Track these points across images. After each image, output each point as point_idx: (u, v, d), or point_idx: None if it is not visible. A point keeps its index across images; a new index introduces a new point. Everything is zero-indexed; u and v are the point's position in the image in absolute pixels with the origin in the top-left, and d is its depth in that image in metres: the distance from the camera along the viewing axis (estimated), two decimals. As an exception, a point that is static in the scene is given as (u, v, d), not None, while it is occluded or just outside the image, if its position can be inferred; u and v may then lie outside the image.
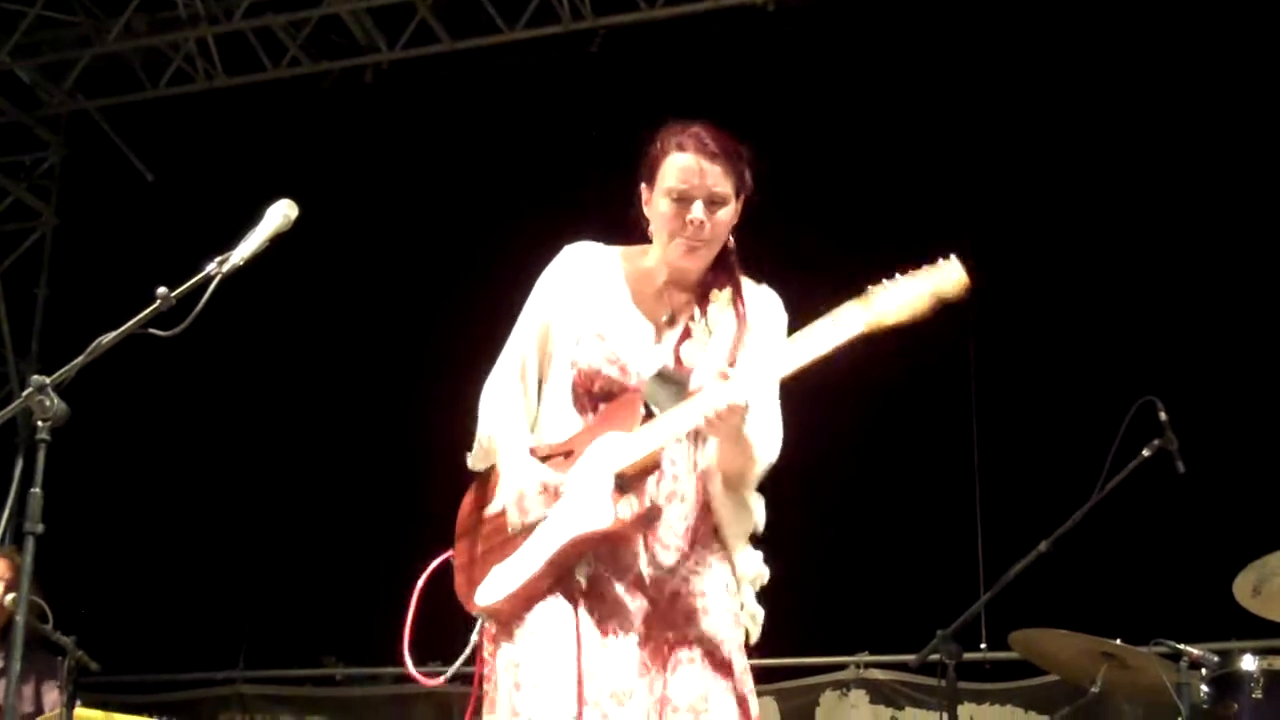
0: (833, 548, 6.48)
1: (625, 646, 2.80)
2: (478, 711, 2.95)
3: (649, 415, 2.86)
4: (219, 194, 7.55)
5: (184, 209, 8.18)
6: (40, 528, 2.73)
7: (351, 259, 7.92)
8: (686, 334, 2.96)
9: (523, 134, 7.60)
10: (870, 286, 2.75)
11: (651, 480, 2.86)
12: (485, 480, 3.05)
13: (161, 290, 2.83)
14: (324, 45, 8.25)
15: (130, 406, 7.85)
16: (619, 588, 2.84)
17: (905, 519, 6.65)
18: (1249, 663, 4.14)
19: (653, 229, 2.99)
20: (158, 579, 7.83)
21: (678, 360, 2.93)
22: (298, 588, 7.69)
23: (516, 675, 2.79)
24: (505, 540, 2.91)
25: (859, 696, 6.62)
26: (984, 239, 6.71)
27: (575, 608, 2.82)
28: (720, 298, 3.00)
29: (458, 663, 2.99)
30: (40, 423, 2.74)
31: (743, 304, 2.99)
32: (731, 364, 2.87)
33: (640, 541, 2.86)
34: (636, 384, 2.91)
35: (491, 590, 2.89)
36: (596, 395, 2.94)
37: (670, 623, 2.86)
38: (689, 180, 2.90)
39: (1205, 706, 4.10)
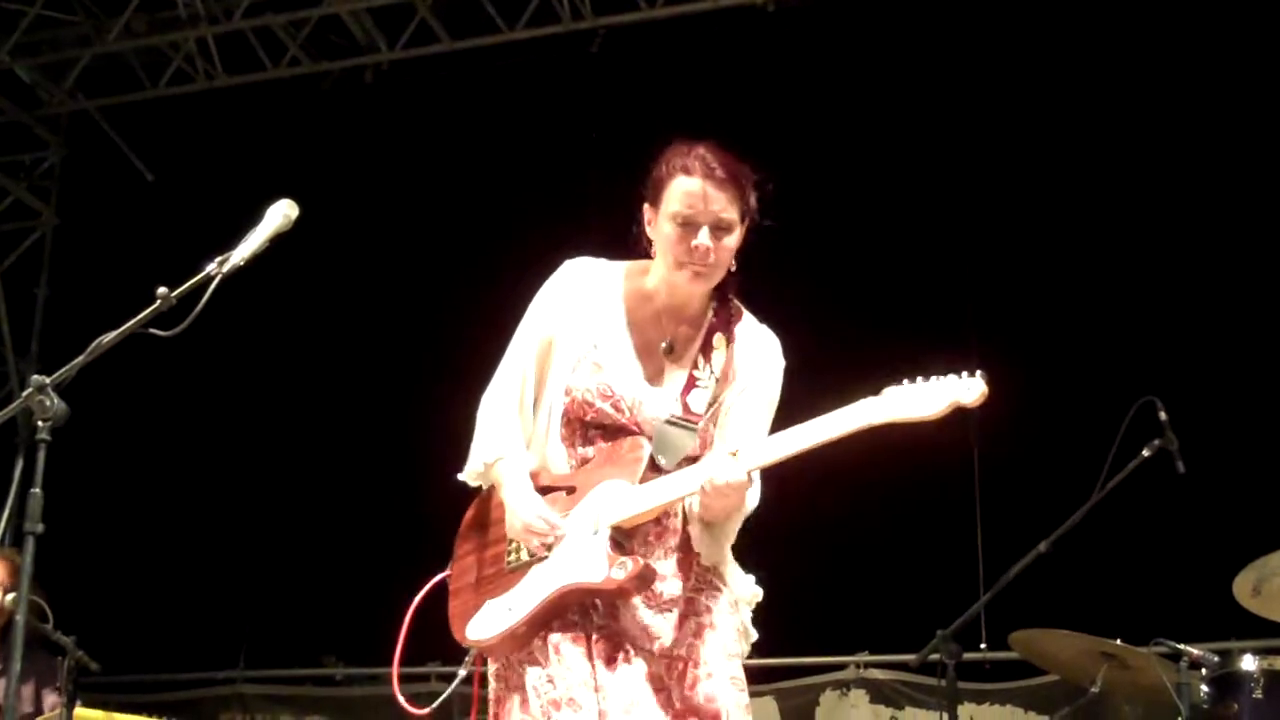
0: (833, 548, 6.47)
1: (637, 666, 2.81)
2: (482, 711, 2.96)
3: (653, 465, 2.86)
4: (219, 194, 7.55)
5: (184, 209, 8.17)
6: (40, 528, 2.73)
7: (352, 260, 7.92)
8: (692, 383, 2.93)
9: (523, 134, 7.59)
10: (887, 388, 2.78)
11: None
12: (486, 500, 3.04)
13: (162, 290, 2.82)
14: (324, 45, 8.25)
15: (130, 406, 7.85)
16: (626, 614, 2.85)
17: (905, 519, 6.65)
18: (1249, 663, 4.14)
19: (656, 250, 2.96)
20: (158, 579, 7.83)
21: (685, 409, 2.92)
22: (298, 588, 7.69)
23: (554, 693, 2.79)
24: (502, 573, 2.93)
25: (859, 696, 6.62)
26: (984, 238, 6.73)
27: (587, 631, 2.83)
28: (722, 344, 2.98)
29: (445, 693, 3.03)
30: (40, 423, 2.74)
31: (733, 342, 2.98)
32: (713, 404, 2.90)
33: (644, 586, 2.86)
34: (629, 421, 2.90)
35: (483, 626, 2.91)
36: (589, 424, 2.93)
37: (681, 642, 2.87)
38: (695, 205, 2.86)
39: (1205, 706, 4.10)
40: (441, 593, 3.05)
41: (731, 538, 2.99)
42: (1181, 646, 4.17)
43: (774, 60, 7.31)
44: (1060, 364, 6.58)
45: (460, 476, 3.06)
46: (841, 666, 6.71)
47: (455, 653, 3.03)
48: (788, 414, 3.00)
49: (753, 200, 2.93)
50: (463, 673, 2.99)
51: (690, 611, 2.89)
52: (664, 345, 2.97)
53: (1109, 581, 5.96)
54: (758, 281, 3.09)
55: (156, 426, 8.15)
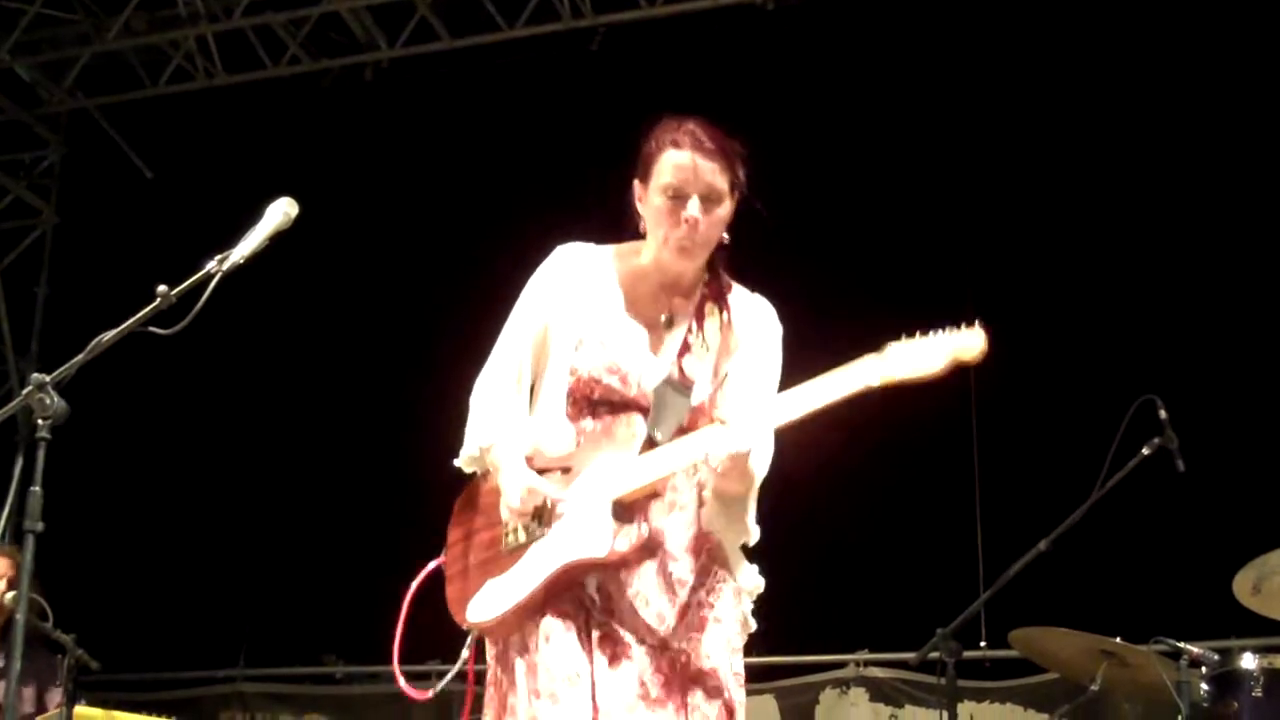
0: (833, 546, 6.48)
1: (636, 659, 2.79)
2: (475, 709, 2.95)
3: (650, 439, 2.85)
4: (219, 192, 7.55)
5: (184, 207, 8.18)
6: (40, 526, 2.73)
7: (351, 257, 7.92)
8: (686, 347, 2.94)
9: (522, 132, 7.59)
10: (889, 343, 2.76)
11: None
12: (477, 486, 3.03)
13: (161, 288, 2.82)
14: (324, 43, 8.25)
15: (130, 405, 7.85)
16: (629, 600, 2.83)
17: (905, 517, 6.65)
18: (1249, 661, 4.14)
19: (646, 226, 2.98)
20: (158, 578, 7.83)
21: (681, 372, 2.92)
22: (298, 586, 7.69)
23: (535, 683, 2.78)
24: (499, 555, 2.91)
25: (859, 694, 6.63)
26: (983, 238, 6.73)
27: (587, 622, 2.81)
28: (715, 312, 2.99)
29: (447, 678, 2.99)
30: (40, 421, 2.74)
31: (728, 311, 2.99)
32: (716, 374, 2.90)
33: (648, 556, 2.85)
34: (637, 394, 2.90)
35: (484, 607, 2.89)
36: (596, 402, 2.92)
37: (683, 634, 2.85)
38: (684, 177, 2.88)
39: (1205, 705, 4.10)
40: (438, 594, 3.04)
41: (747, 513, 2.97)
42: (1181, 645, 4.16)
43: (773, 58, 7.31)
44: (1060, 362, 6.58)
45: (456, 462, 3.05)
46: (841, 665, 6.71)
47: (455, 650, 3.02)
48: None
49: (741, 173, 2.95)
50: (465, 654, 2.96)
51: (694, 600, 2.88)
52: (663, 318, 2.98)
53: (1109, 580, 5.96)
54: (761, 278, 3.10)
55: (156, 425, 8.15)
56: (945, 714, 4.57)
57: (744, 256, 3.04)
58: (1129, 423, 4.32)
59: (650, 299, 2.99)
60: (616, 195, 3.08)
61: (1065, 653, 4.51)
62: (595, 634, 2.80)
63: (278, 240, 2.98)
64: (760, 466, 2.92)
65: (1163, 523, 5.84)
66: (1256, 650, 4.24)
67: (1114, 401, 4.42)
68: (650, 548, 2.82)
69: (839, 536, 6.54)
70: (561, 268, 3.03)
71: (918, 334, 2.75)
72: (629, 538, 2.78)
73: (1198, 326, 6.35)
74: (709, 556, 2.93)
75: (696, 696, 2.82)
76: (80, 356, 2.82)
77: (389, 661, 3.12)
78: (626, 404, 2.91)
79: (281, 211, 2.99)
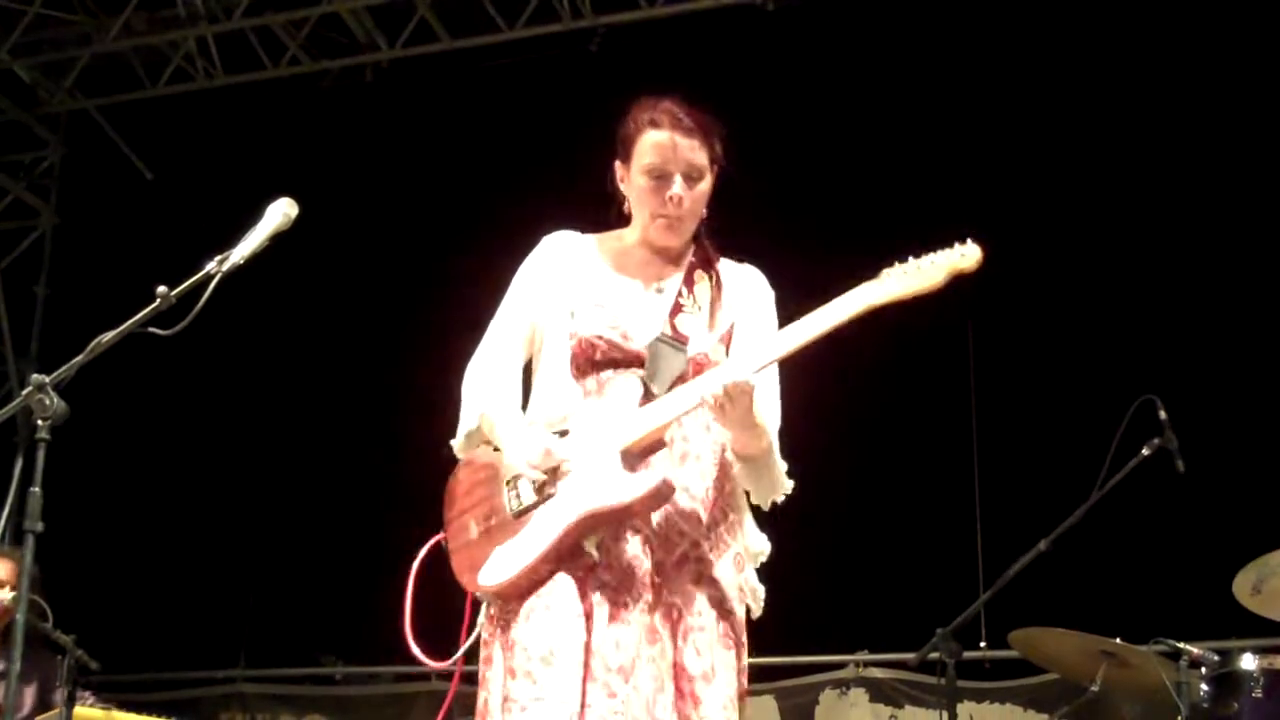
0: (832, 546, 6.47)
1: (633, 618, 2.79)
2: (467, 712, 2.95)
3: (647, 393, 2.87)
4: (219, 193, 7.55)
5: (183, 208, 8.17)
6: (40, 526, 2.73)
7: (351, 258, 7.91)
8: (678, 308, 2.99)
9: (522, 132, 7.59)
10: (885, 269, 2.81)
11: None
12: (468, 464, 3.03)
13: (161, 289, 2.82)
14: (324, 44, 8.25)
15: (130, 406, 7.85)
16: (629, 552, 2.83)
17: (905, 518, 6.65)
18: (1249, 661, 4.14)
19: (631, 206, 3.05)
20: (158, 578, 7.83)
21: (674, 330, 2.96)
22: (298, 587, 7.69)
23: (512, 660, 2.78)
24: (505, 520, 2.90)
25: (859, 695, 6.63)
26: (983, 239, 6.72)
27: (585, 583, 2.80)
28: (704, 278, 3.04)
29: (466, 644, 2.96)
30: (40, 421, 2.74)
31: (717, 276, 3.05)
32: (711, 329, 2.95)
33: (661, 504, 2.85)
34: (638, 349, 2.92)
35: (497, 570, 2.87)
36: (599, 363, 2.94)
37: (678, 587, 2.85)
38: (665, 156, 2.96)
39: (1205, 705, 4.10)
40: (437, 599, 3.03)
41: (774, 466, 2.97)
42: (1181, 645, 4.16)
43: (774, 59, 7.31)
44: (1060, 362, 6.58)
45: (453, 443, 3.05)
46: (841, 665, 6.71)
47: (451, 645, 3.00)
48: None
49: (719, 148, 3.02)
50: (482, 619, 2.93)
51: (694, 555, 2.88)
52: (654, 286, 3.03)
53: (1109, 580, 5.96)
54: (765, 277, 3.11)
55: (156, 426, 8.15)
56: (945, 714, 4.57)
57: (751, 251, 3.10)
58: (1129, 423, 4.32)
59: (639, 270, 3.05)
60: (615, 192, 3.11)
61: (1065, 653, 4.51)
62: (595, 595, 2.79)
63: (277, 241, 2.98)
64: (768, 410, 2.93)
65: (1163, 523, 5.84)
66: (1257, 651, 4.23)
67: (1114, 402, 4.42)
68: (664, 495, 2.83)
69: (839, 536, 6.54)
70: (549, 251, 3.09)
71: (910, 259, 2.81)
72: (644, 484, 2.79)
73: (1197, 327, 6.35)
74: (718, 510, 2.93)
75: (687, 652, 2.82)
76: (80, 357, 2.82)
77: (388, 662, 3.12)
78: (628, 360, 2.93)
79: (281, 212, 2.99)
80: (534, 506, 2.87)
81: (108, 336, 2.82)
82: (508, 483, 2.92)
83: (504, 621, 2.86)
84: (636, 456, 2.83)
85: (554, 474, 2.86)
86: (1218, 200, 6.50)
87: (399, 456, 7.30)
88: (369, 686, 7.57)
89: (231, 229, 2.98)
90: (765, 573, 3.03)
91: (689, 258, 3.07)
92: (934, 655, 4.45)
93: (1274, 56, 6.44)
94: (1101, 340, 6.53)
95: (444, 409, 3.11)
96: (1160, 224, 6.53)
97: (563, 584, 2.80)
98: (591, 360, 2.94)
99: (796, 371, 3.01)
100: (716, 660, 2.83)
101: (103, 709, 5.11)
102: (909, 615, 5.33)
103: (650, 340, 2.93)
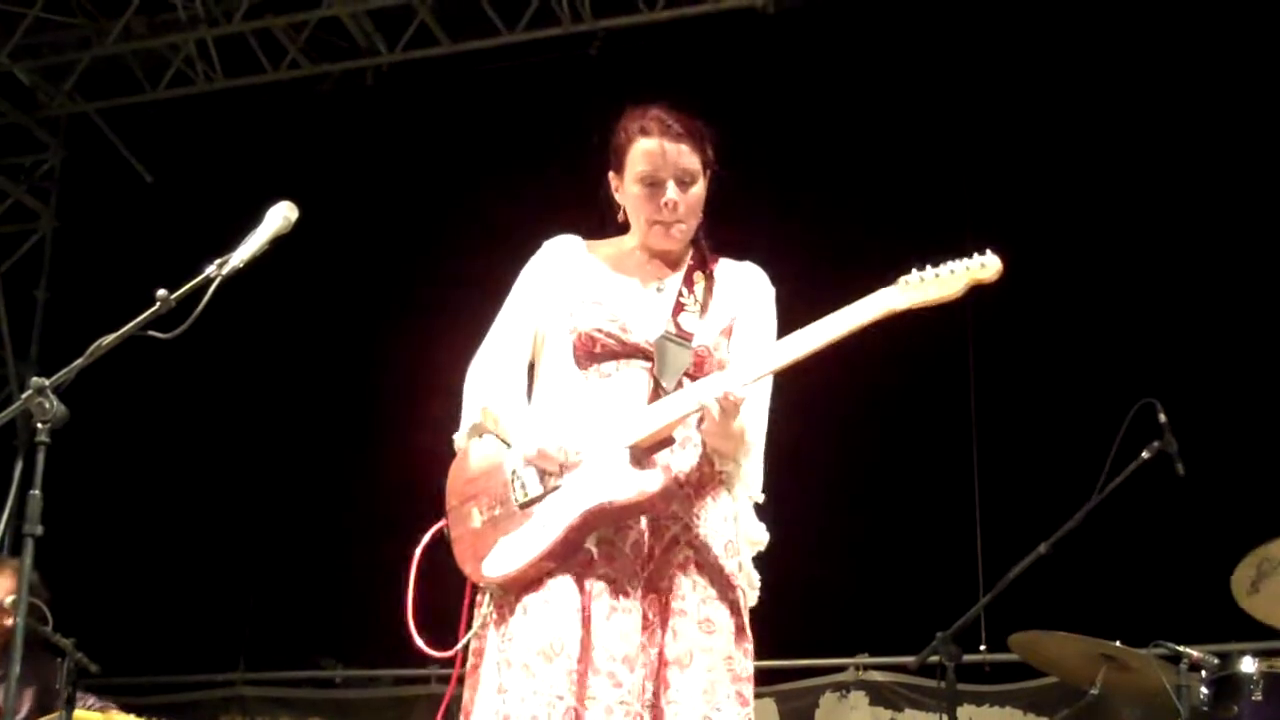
0: (832, 549, 6.47)
1: (633, 606, 2.80)
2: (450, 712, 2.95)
3: (656, 386, 2.90)
4: (219, 196, 7.55)
5: (183, 211, 8.17)
6: (40, 530, 2.73)
7: (350, 261, 7.92)
8: (680, 307, 3.02)
9: (522, 136, 7.59)
10: (903, 276, 2.82)
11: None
12: (469, 455, 3.03)
13: (161, 292, 2.83)
14: (324, 47, 8.25)
15: (130, 408, 7.85)
16: (628, 543, 2.84)
17: (905, 521, 6.65)
18: (1249, 665, 4.14)
19: (628, 215, 3.08)
20: (158, 580, 7.83)
21: (678, 327, 2.98)
22: (297, 590, 7.69)
23: (510, 652, 2.78)
24: (511, 511, 2.90)
25: (858, 698, 6.62)
26: (983, 240, 6.72)
27: (584, 579, 2.81)
28: (703, 278, 3.08)
29: (468, 636, 2.95)
30: (40, 425, 2.74)
31: (715, 276, 3.08)
32: (713, 325, 2.97)
33: (668, 500, 2.86)
34: (638, 342, 2.95)
35: (502, 561, 2.87)
36: (599, 356, 2.96)
37: (665, 570, 2.86)
38: (655, 163, 3.00)
39: (1205, 709, 4.10)
40: (437, 605, 3.03)
41: (747, 474, 2.99)
42: (1181, 648, 4.16)
43: (773, 63, 7.31)
44: (1060, 366, 6.58)
45: (455, 438, 3.06)
46: (841, 668, 6.70)
47: (451, 642, 2.99)
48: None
49: (711, 151, 3.06)
50: (488, 608, 2.93)
51: (685, 538, 2.89)
52: (653, 286, 3.06)
53: (1109, 583, 5.95)
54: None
55: (155, 429, 8.15)
56: (945, 718, 4.57)
57: (751, 255, 3.12)
58: (1129, 426, 4.32)
59: (637, 270, 3.09)
60: (611, 203, 3.12)
61: (1065, 656, 4.51)
62: (595, 588, 2.80)
63: (277, 244, 2.98)
64: (751, 418, 2.94)
65: (1162, 526, 5.84)
66: (1256, 654, 4.23)
67: (1114, 405, 4.42)
68: (673, 493, 2.85)
69: (839, 539, 6.54)
70: (551, 254, 3.13)
71: (928, 266, 2.82)
72: (653, 481, 2.80)
73: (1197, 330, 6.35)
74: (708, 496, 2.94)
75: (667, 637, 2.82)
76: (80, 360, 2.82)
77: (388, 665, 3.12)
78: (629, 353, 2.96)
79: (281, 215, 2.99)
80: (540, 498, 2.87)
81: (108, 340, 2.82)
82: (512, 472, 2.92)
83: (501, 613, 2.86)
84: (644, 452, 2.84)
85: (561, 467, 2.87)
86: (1217, 204, 6.51)
87: (399, 460, 7.30)
88: (368, 690, 7.57)
89: (231, 232, 2.98)
90: (765, 575, 3.03)
91: (687, 260, 3.10)
92: (934, 658, 4.46)
93: (1273, 59, 6.45)
94: (1101, 344, 6.53)
95: (444, 413, 3.11)
96: (1159, 228, 6.53)
97: (562, 579, 2.81)
98: (592, 354, 2.97)
99: (797, 376, 3.02)
100: (695, 646, 2.81)
101: (100, 710, 5.11)
102: (909, 618, 5.32)
103: (656, 338, 2.95)
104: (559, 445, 2.86)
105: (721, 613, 2.87)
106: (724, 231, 3.15)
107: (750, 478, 3.01)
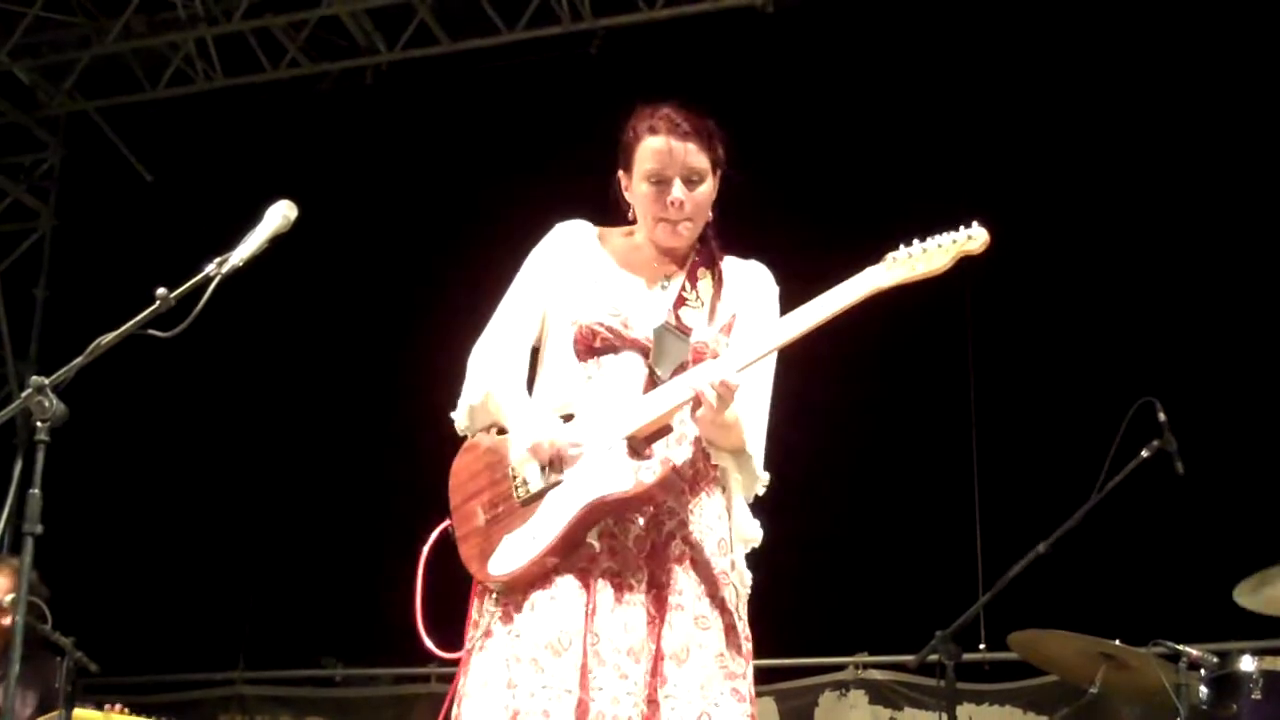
0: (832, 548, 6.48)
1: (637, 599, 2.81)
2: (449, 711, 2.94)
3: (652, 378, 2.91)
4: (218, 195, 7.55)
5: (183, 210, 8.17)
6: (39, 528, 2.73)
7: (350, 260, 7.92)
8: (682, 301, 3.03)
9: (522, 135, 7.59)
10: (890, 253, 2.85)
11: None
12: (472, 449, 3.04)
13: (161, 291, 2.83)
14: (323, 46, 8.25)
15: (129, 407, 7.85)
16: (630, 536, 2.85)
17: (904, 520, 6.65)
18: (1248, 663, 4.14)
19: (636, 213, 3.08)
20: (158, 579, 7.83)
21: (678, 320, 3.00)
22: (297, 589, 7.69)
23: (517, 648, 2.79)
24: (514, 508, 2.91)
25: (858, 697, 6.62)
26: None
27: (589, 573, 2.82)
28: (708, 275, 3.08)
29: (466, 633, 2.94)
30: (39, 424, 2.74)
31: (721, 273, 3.08)
32: (713, 321, 2.99)
33: (669, 491, 2.87)
34: (637, 336, 2.95)
35: (506, 560, 2.87)
36: (598, 349, 2.97)
37: (663, 565, 2.86)
38: (663, 161, 2.99)
39: (1204, 707, 4.10)
40: (437, 607, 3.02)
41: (746, 465, 2.99)
42: (1180, 647, 4.17)
43: (773, 61, 7.31)
44: (1059, 364, 6.58)
45: (453, 415, 3.06)
46: (840, 667, 6.70)
47: (453, 640, 2.99)
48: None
49: (720, 150, 3.06)
50: (489, 609, 2.92)
51: (681, 533, 2.89)
52: (659, 284, 3.07)
53: (1108, 582, 5.96)
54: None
55: (155, 427, 8.15)
56: (944, 716, 4.57)
57: (753, 252, 3.12)
58: (1128, 425, 4.32)
59: (643, 266, 3.09)
60: (620, 201, 3.12)
61: (1064, 655, 4.50)
62: (599, 582, 2.81)
63: (277, 243, 2.98)
64: (750, 407, 2.94)
65: (1162, 525, 5.84)
66: (1255, 653, 4.24)
67: (1113, 404, 4.42)
68: (673, 483, 2.85)
69: (838, 538, 6.54)
70: (559, 238, 3.13)
71: (916, 241, 2.84)
72: (653, 472, 2.81)
73: (1197, 329, 6.35)
74: (703, 492, 2.95)
75: (664, 630, 2.82)
76: (79, 359, 2.82)
77: (388, 664, 3.11)
78: (628, 346, 2.97)
79: (281, 214, 2.99)
80: (542, 494, 2.88)
81: (107, 338, 2.82)
82: (513, 468, 2.93)
83: (506, 610, 2.86)
84: (642, 443, 2.85)
85: (560, 461, 2.87)
86: (1217, 202, 6.50)
87: (399, 459, 7.30)
88: (369, 688, 7.57)
89: (231, 231, 2.98)
90: (764, 574, 3.03)
91: (693, 257, 3.10)
92: (933, 657, 4.45)
93: (1273, 57, 6.45)
94: (1101, 342, 6.53)
95: (445, 411, 3.11)
96: (1160, 226, 6.53)
97: (567, 575, 2.82)
98: (591, 347, 2.98)
99: (797, 373, 3.02)
100: (691, 641, 2.82)
101: (100, 711, 5.11)
102: (908, 617, 5.32)
103: (655, 327, 2.97)
104: (550, 439, 2.86)
105: (713, 610, 2.87)
106: (724, 229, 3.15)
107: (747, 470, 3.00)
